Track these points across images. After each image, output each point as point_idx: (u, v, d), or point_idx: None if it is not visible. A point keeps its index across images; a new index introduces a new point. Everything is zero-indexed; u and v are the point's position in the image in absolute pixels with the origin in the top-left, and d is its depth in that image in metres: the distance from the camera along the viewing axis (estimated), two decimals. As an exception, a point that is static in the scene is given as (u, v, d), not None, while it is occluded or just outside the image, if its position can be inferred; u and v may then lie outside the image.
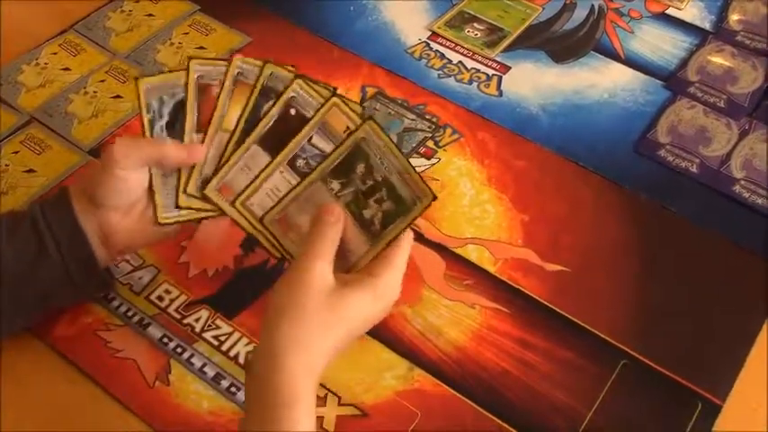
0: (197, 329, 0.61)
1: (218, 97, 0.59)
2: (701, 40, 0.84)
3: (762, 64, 0.80)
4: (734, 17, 0.86)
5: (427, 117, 0.76)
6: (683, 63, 0.81)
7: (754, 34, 0.83)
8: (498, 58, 0.82)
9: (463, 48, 0.83)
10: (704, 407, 0.58)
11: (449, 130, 0.75)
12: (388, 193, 0.55)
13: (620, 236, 0.68)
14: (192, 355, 0.60)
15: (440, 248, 0.67)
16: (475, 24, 0.86)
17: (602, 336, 0.61)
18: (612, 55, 0.83)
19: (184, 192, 0.58)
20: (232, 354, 0.60)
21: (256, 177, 0.57)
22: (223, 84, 0.58)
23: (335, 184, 0.56)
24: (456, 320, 0.62)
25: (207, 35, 0.84)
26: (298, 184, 0.56)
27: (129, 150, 0.56)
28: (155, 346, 0.61)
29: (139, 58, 0.82)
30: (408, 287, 0.64)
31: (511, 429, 0.57)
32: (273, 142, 0.57)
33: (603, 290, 0.64)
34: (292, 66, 0.59)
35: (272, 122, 0.57)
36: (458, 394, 0.58)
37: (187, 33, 0.84)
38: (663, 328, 0.62)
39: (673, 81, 0.80)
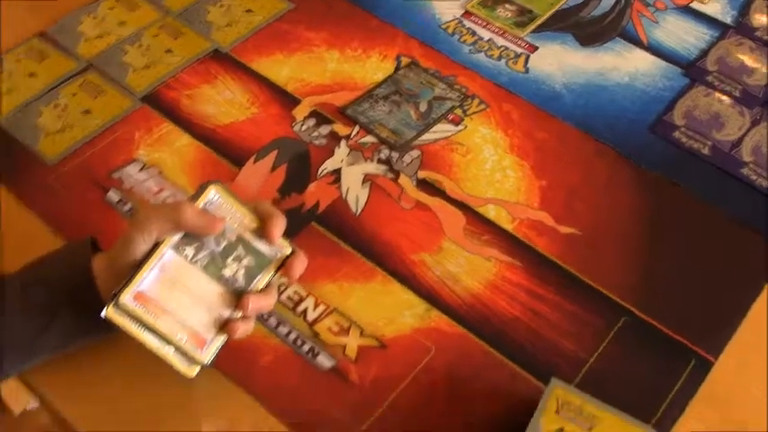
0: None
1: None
2: (722, 33, 0.88)
3: (778, 59, 0.85)
4: (755, 14, 0.90)
5: (456, 87, 0.81)
6: (703, 53, 0.86)
7: (772, 31, 0.88)
8: (527, 38, 0.87)
9: (494, 26, 0.88)
10: (697, 362, 0.62)
11: (476, 101, 0.80)
12: (245, 250, 0.56)
13: (630, 206, 0.72)
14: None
15: (461, 206, 0.72)
16: (506, 5, 0.90)
17: (607, 293, 0.66)
18: (636, 42, 0.87)
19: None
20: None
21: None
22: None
23: (189, 251, 0.55)
24: (473, 270, 0.67)
25: None
26: (149, 259, 0.54)
27: (194, 215, 0.55)
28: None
29: (190, 17, 0.88)
30: (430, 239, 0.70)
31: (517, 368, 0.62)
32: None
33: (611, 253, 0.69)
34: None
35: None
36: (470, 334, 0.64)
37: (237, -4, 0.90)
38: (664, 290, 0.67)
39: (692, 69, 0.84)
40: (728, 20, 0.90)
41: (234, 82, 0.81)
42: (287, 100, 0.80)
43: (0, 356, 0.56)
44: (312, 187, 0.73)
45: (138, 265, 0.54)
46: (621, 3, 0.91)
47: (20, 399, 1.38)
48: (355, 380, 0.61)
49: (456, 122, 0.79)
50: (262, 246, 0.56)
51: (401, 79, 0.82)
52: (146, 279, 0.54)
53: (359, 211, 0.71)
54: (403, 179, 0.74)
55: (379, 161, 0.75)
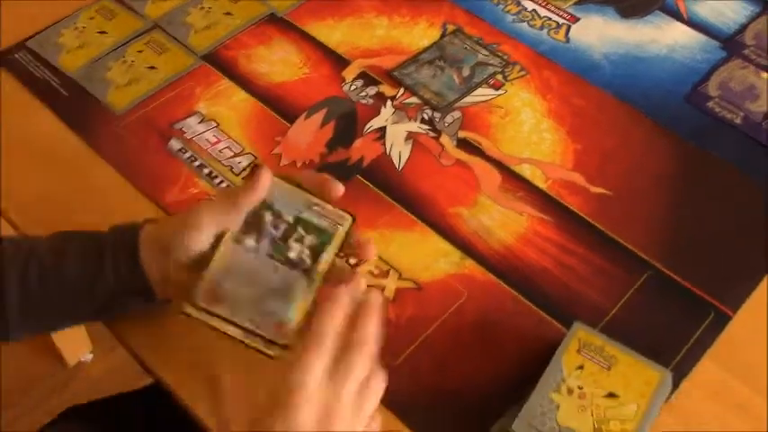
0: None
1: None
2: (763, 8, 0.90)
3: (817, 35, 0.86)
4: (797, -9, 0.91)
5: (498, 54, 0.85)
6: (742, 28, 0.88)
7: (814, 8, 0.89)
8: (570, 10, 0.90)
9: (539, -2, 0.92)
10: (716, 316, 0.66)
11: (517, 67, 0.84)
12: (305, 230, 0.57)
13: (661, 171, 0.76)
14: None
15: (497, 164, 0.76)
16: (552, -22, 0.94)
17: (634, 249, 0.70)
18: (676, 15, 0.89)
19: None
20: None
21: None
22: None
23: (250, 242, 0.56)
24: (506, 224, 0.72)
25: (309, -33, 0.95)
26: (213, 255, 0.55)
27: (225, 210, 0.56)
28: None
29: (250, -18, 0.93)
30: (467, 194, 0.74)
31: (543, 314, 0.66)
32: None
33: (640, 213, 0.72)
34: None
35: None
36: (501, 282, 0.68)
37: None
38: (689, 249, 0.70)
39: (729, 43, 0.86)
40: (770, -4, 0.92)
41: (288, 44, 0.86)
42: (337, 62, 0.85)
43: (63, 299, 0.58)
44: (358, 143, 0.78)
45: (204, 261, 0.55)
46: (664, -23, 0.94)
47: (75, 351, 1.47)
48: (392, 318, 0.66)
49: (497, 87, 0.82)
50: (321, 221, 0.57)
51: (446, 45, 0.86)
52: (216, 276, 0.55)
53: (401, 166, 0.76)
54: (444, 138, 0.78)
55: (422, 121, 0.79)
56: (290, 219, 0.57)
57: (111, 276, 0.57)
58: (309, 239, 0.56)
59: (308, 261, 0.56)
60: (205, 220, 0.56)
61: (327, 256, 0.56)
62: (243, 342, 0.54)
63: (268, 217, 0.57)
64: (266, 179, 0.57)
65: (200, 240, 0.55)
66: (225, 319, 0.54)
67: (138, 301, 0.60)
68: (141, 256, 0.57)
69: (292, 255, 0.56)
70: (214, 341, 0.58)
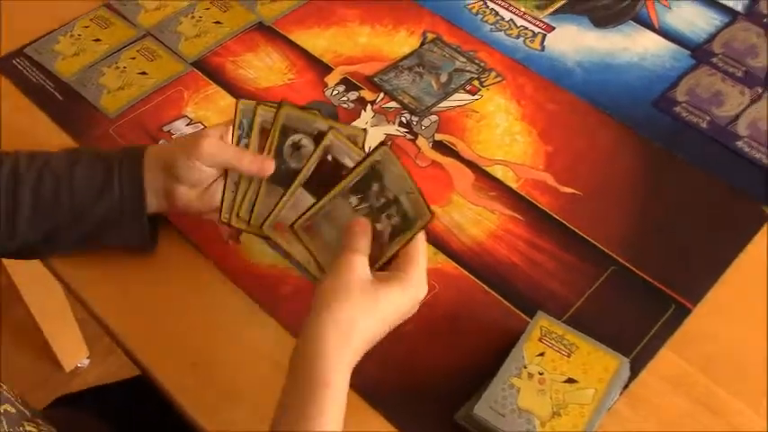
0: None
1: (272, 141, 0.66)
2: (732, 19, 0.93)
3: (784, 44, 0.90)
4: (765, 2, 0.95)
5: (476, 61, 0.89)
6: (711, 37, 0.91)
7: (781, 18, 0.93)
8: (545, 20, 0.94)
9: (516, 8, 0.95)
10: (676, 309, 0.69)
11: (493, 74, 0.88)
12: (397, 210, 0.61)
13: (629, 172, 0.79)
14: (260, 224, 0.74)
15: (471, 165, 0.79)
16: (529, -11, 0.97)
17: (600, 245, 0.73)
18: (648, 25, 0.93)
19: (237, 215, 0.67)
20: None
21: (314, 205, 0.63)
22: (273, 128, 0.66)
23: (354, 200, 0.62)
24: (478, 221, 0.75)
25: (297, -21, 0.99)
26: (322, 198, 0.62)
27: (216, 150, 0.65)
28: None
29: (240, -7, 0.97)
30: (441, 193, 0.77)
31: (511, 306, 0.69)
32: (314, 185, 0.65)
33: (607, 212, 0.76)
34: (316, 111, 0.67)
35: (312, 168, 0.65)
36: (471, 277, 0.71)
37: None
38: (653, 245, 0.73)
39: (698, 51, 0.90)
40: (740, 8, 0.95)
41: (273, 51, 0.90)
42: (321, 68, 0.88)
43: (72, 206, 0.66)
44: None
45: (316, 203, 0.62)
46: (638, -11, 0.97)
47: (72, 356, 1.50)
48: (366, 309, 0.69)
49: (473, 93, 0.86)
50: (410, 209, 0.61)
51: (425, 53, 0.89)
52: (318, 215, 0.62)
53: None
54: (420, 140, 0.81)
55: (401, 124, 0.83)
56: (391, 196, 0.62)
57: (116, 188, 0.66)
58: (395, 220, 0.62)
59: (386, 238, 0.62)
60: (207, 160, 0.65)
61: (400, 241, 0.61)
62: (300, 265, 0.66)
63: (375, 187, 0.62)
64: (271, 169, 0.65)
65: (196, 167, 0.65)
66: (306, 247, 0.63)
67: (131, 225, 0.68)
68: (144, 169, 0.67)
69: (378, 226, 0.62)
70: (210, 337, 0.65)
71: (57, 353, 1.46)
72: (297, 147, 0.66)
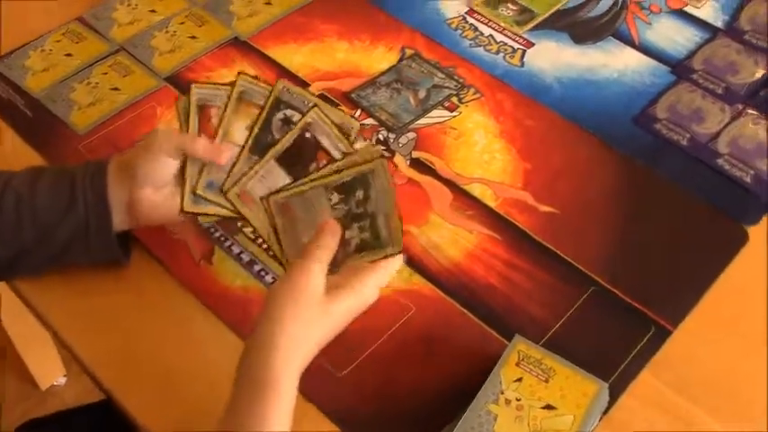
0: (239, 224, 0.74)
1: (223, 113, 0.66)
2: (712, 35, 0.93)
3: (763, 60, 0.89)
4: (745, 18, 0.94)
5: (455, 78, 0.88)
6: (691, 54, 0.90)
7: (760, 35, 0.92)
8: (525, 35, 0.93)
9: (495, 24, 0.94)
10: (656, 331, 0.67)
11: (472, 90, 0.86)
12: (371, 226, 0.61)
13: (608, 190, 0.78)
14: (232, 244, 0.73)
15: (449, 183, 0.78)
16: (509, 5, 0.96)
17: (579, 266, 0.71)
18: (628, 41, 0.92)
19: (193, 192, 0.66)
20: (264, 245, 0.72)
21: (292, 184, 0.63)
22: (229, 99, 0.66)
23: (335, 197, 0.62)
24: (455, 241, 0.73)
25: (274, -7, 0.97)
26: (305, 183, 0.62)
27: (170, 137, 0.65)
28: (203, 233, 0.73)
29: (215, 7, 0.95)
30: (419, 212, 0.76)
31: (488, 329, 0.67)
32: (288, 160, 0.64)
33: (586, 231, 0.74)
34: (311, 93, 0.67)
35: (289, 143, 0.64)
36: (448, 298, 0.69)
37: (259, -9, 0.98)
38: (633, 265, 0.72)
39: (679, 68, 0.89)
40: (720, 24, 0.94)
41: (249, 66, 0.89)
42: (297, 84, 0.86)
43: (35, 227, 0.64)
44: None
45: (300, 184, 0.62)
46: (618, 5, 0.97)
47: (47, 374, 1.47)
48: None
49: (452, 109, 0.85)
50: (383, 232, 0.61)
51: (403, 69, 0.88)
52: (296, 200, 0.62)
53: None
54: (397, 158, 0.80)
55: (378, 141, 0.81)
56: (370, 210, 0.61)
57: (81, 206, 0.64)
58: (366, 235, 0.61)
59: (352, 248, 0.62)
60: (164, 147, 0.64)
61: (364, 258, 0.61)
62: (266, 242, 0.64)
63: (359, 194, 0.62)
64: (227, 155, 0.65)
65: (156, 160, 0.64)
66: (273, 224, 0.63)
67: (98, 244, 0.66)
68: (109, 184, 0.65)
69: (348, 234, 0.62)
70: (178, 360, 0.64)
71: (32, 371, 1.43)
72: (287, 122, 0.65)
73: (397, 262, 0.61)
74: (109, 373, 0.66)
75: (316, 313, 0.57)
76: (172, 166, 0.65)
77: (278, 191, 0.62)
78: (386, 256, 0.61)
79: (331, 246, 0.60)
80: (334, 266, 0.60)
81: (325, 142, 0.64)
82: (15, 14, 0.94)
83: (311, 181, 0.62)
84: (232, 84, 0.66)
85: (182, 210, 0.66)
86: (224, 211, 0.66)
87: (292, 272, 0.58)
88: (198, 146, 0.65)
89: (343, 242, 0.61)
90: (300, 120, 0.64)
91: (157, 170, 0.65)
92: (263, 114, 0.65)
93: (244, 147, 0.65)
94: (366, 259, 0.61)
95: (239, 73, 0.66)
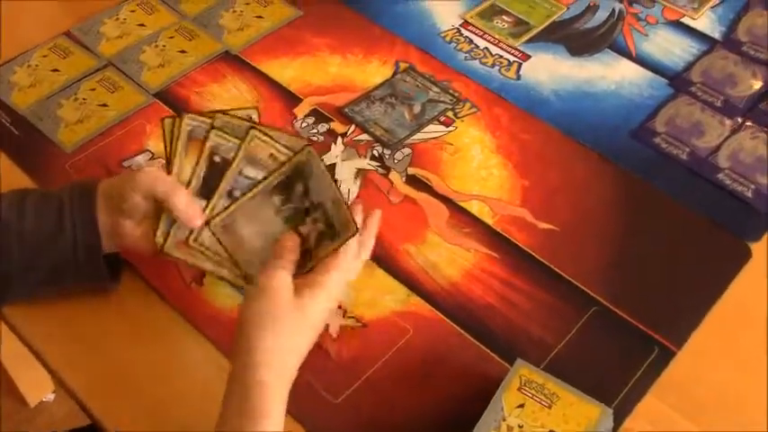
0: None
1: (173, 156, 0.64)
2: (710, 47, 0.92)
3: (762, 72, 0.88)
4: (743, 30, 0.93)
5: (450, 92, 0.86)
6: (689, 66, 0.89)
7: (759, 46, 0.91)
8: (521, 48, 0.91)
9: (491, 36, 0.93)
10: (660, 352, 0.66)
11: (468, 104, 0.85)
12: (322, 216, 0.61)
13: (608, 206, 0.76)
14: (224, 265, 0.71)
15: (446, 200, 0.76)
16: (504, 17, 0.95)
17: (579, 285, 0.70)
18: (625, 53, 0.91)
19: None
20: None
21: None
22: (174, 143, 0.64)
23: (277, 200, 0.62)
24: (453, 260, 0.72)
25: (265, 6, 0.95)
26: (240, 197, 0.62)
27: (156, 182, 0.62)
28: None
29: (205, 21, 0.94)
30: (415, 231, 0.74)
31: (488, 351, 0.66)
32: (207, 191, 0.64)
33: (586, 248, 0.73)
34: (210, 114, 0.65)
35: (203, 176, 0.64)
36: (446, 319, 0.68)
37: (248, 4, 0.96)
38: (635, 284, 0.70)
39: (677, 80, 0.88)
40: (717, 35, 0.93)
41: (240, 81, 0.87)
42: (289, 99, 0.85)
43: (22, 253, 0.62)
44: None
45: (234, 201, 0.62)
46: (614, 17, 0.95)
47: (36, 391, 1.45)
48: (334, 356, 0.65)
49: (447, 124, 0.83)
50: (335, 218, 0.61)
51: (398, 83, 0.87)
52: (236, 214, 0.62)
53: (349, 202, 0.76)
54: (393, 175, 0.78)
55: (372, 158, 0.80)
56: (315, 201, 0.61)
57: (69, 231, 0.63)
58: (320, 227, 0.61)
59: (312, 243, 0.62)
60: (142, 182, 0.62)
61: (326, 249, 0.60)
62: (216, 272, 0.64)
63: (299, 188, 0.62)
64: (199, 221, 0.63)
65: (136, 199, 0.62)
66: (226, 251, 0.62)
67: (87, 269, 0.64)
68: (97, 208, 0.63)
69: (303, 230, 0.62)
70: (167, 384, 0.62)
71: (20, 388, 1.41)
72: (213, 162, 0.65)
73: (353, 243, 0.61)
74: (97, 401, 0.64)
75: (294, 320, 0.57)
76: (151, 203, 0.63)
77: (216, 214, 0.62)
78: (345, 242, 0.60)
79: (293, 250, 0.60)
80: (303, 269, 0.60)
81: (231, 155, 0.63)
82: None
83: (243, 195, 0.62)
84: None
85: (161, 251, 0.64)
86: (196, 262, 0.64)
87: (262, 288, 0.57)
88: (179, 201, 0.62)
89: (302, 239, 0.61)
90: (203, 151, 0.64)
91: (141, 206, 0.63)
92: (202, 167, 0.64)
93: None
94: (329, 250, 0.60)
95: (185, 112, 0.66)
